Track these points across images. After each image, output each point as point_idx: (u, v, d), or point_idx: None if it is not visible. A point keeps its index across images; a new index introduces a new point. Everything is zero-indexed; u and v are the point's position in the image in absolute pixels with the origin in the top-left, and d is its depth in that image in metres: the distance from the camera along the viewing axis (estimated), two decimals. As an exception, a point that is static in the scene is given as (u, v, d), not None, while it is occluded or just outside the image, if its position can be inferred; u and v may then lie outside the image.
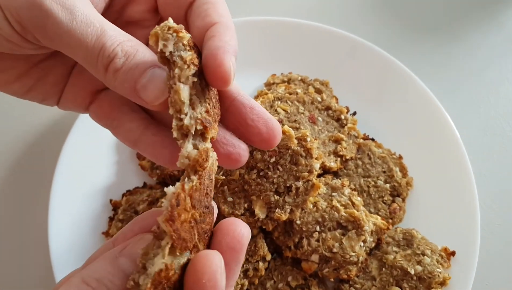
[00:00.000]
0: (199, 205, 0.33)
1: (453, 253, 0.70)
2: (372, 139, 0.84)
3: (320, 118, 0.82)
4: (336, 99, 0.88)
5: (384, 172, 0.78)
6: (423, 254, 0.68)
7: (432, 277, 0.66)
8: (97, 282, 0.30)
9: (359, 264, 0.68)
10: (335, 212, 0.69)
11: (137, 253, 0.31)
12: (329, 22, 0.93)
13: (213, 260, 0.30)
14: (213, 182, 0.37)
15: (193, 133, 0.35)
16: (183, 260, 0.31)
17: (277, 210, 0.64)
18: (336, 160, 0.78)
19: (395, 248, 0.71)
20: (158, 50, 0.34)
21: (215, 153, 0.37)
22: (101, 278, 0.30)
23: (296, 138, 0.65)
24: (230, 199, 0.66)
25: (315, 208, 0.69)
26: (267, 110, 0.61)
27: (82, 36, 0.34)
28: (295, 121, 0.79)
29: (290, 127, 0.70)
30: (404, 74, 0.86)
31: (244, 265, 0.67)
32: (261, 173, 0.65)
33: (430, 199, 0.77)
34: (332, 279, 0.68)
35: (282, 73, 0.91)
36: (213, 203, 0.37)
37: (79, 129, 0.82)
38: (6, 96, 0.46)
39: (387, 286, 0.67)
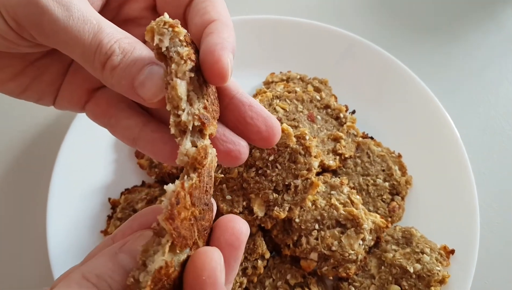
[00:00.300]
0: (198, 202, 0.33)
1: (452, 252, 0.70)
2: (371, 138, 0.84)
3: (319, 117, 0.82)
4: (335, 97, 0.88)
5: (383, 170, 0.78)
6: (422, 253, 0.68)
7: (431, 275, 0.66)
8: (97, 278, 0.30)
9: (358, 263, 0.67)
10: (334, 211, 0.68)
11: (136, 250, 0.31)
12: (328, 21, 0.93)
13: (213, 257, 0.31)
14: (213, 179, 0.37)
15: (191, 130, 0.35)
16: (183, 257, 0.31)
17: (275, 208, 0.64)
18: (335, 159, 0.78)
19: (394, 247, 0.70)
20: (154, 45, 0.33)
21: (214, 149, 0.37)
22: (101, 274, 0.30)
23: (295, 136, 0.65)
24: (228, 197, 0.66)
25: (314, 206, 0.69)
26: (265, 108, 0.60)
27: (79, 33, 0.34)
28: (294, 119, 0.79)
29: (289, 125, 0.70)
30: (403, 73, 0.86)
31: (243, 263, 0.67)
32: (260, 171, 0.65)
33: (429, 197, 0.77)
34: (331, 277, 0.68)
35: (281, 72, 0.91)
36: (212, 200, 0.37)
37: (77, 128, 0.81)
38: (4, 96, 0.45)
39: (386, 284, 0.67)
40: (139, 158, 0.82)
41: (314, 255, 0.67)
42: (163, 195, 0.30)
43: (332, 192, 0.72)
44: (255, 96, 0.84)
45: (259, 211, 0.65)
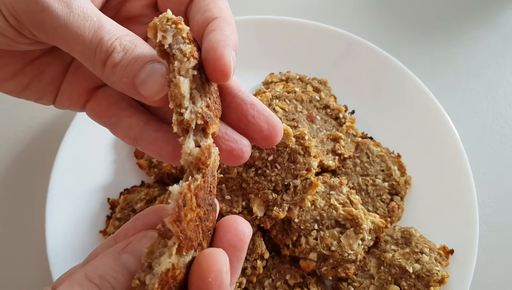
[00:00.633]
0: (203, 203, 0.33)
1: (451, 252, 0.70)
2: (371, 138, 0.84)
3: (318, 117, 0.82)
4: (335, 97, 0.88)
5: (383, 170, 0.78)
6: (422, 253, 0.68)
7: (431, 275, 0.66)
8: (100, 279, 0.29)
9: (358, 263, 0.67)
10: (333, 211, 0.68)
11: (140, 250, 0.31)
12: (327, 22, 0.93)
13: (219, 258, 0.30)
14: (216, 178, 0.37)
15: (194, 128, 0.34)
16: (188, 258, 0.31)
17: (275, 208, 0.64)
18: (334, 159, 0.78)
19: (393, 247, 0.70)
20: (157, 41, 0.33)
21: (216, 148, 0.36)
22: (104, 274, 0.30)
23: (294, 136, 0.65)
24: (228, 197, 0.66)
25: (313, 206, 0.69)
26: (265, 108, 0.60)
27: (79, 30, 0.34)
28: (293, 119, 0.79)
29: (288, 125, 0.70)
30: (403, 73, 0.86)
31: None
32: (259, 171, 0.65)
33: (428, 197, 0.77)
34: (330, 278, 0.68)
35: (280, 72, 0.91)
36: (216, 200, 0.37)
37: (77, 128, 0.81)
38: (4, 96, 0.45)
39: (386, 284, 0.67)
40: (138, 158, 0.82)
41: (313, 255, 0.67)
42: (169, 197, 0.30)
43: (332, 192, 0.71)
44: (254, 96, 0.84)
45: (258, 211, 0.65)
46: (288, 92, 0.82)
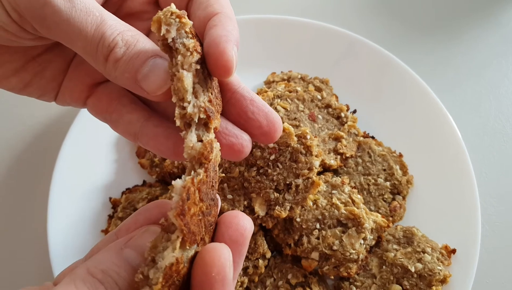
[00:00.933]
0: (206, 197, 0.33)
1: (453, 251, 0.69)
2: (372, 137, 0.84)
3: (320, 116, 0.82)
4: (336, 97, 0.88)
5: (384, 170, 0.78)
6: (424, 252, 0.68)
7: (433, 274, 0.66)
8: (102, 274, 0.29)
9: (359, 262, 0.67)
10: (335, 210, 0.68)
11: (143, 245, 0.31)
12: (328, 21, 0.93)
13: (222, 253, 0.30)
14: (217, 173, 0.37)
15: (196, 123, 0.34)
16: (191, 253, 0.31)
17: (277, 207, 0.64)
18: (336, 158, 0.77)
19: (395, 246, 0.70)
20: (161, 35, 0.33)
21: (218, 143, 0.36)
22: (107, 269, 0.30)
23: (296, 136, 0.65)
24: (229, 196, 0.65)
25: (315, 205, 0.69)
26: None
27: (81, 25, 0.34)
28: (295, 119, 0.79)
29: (290, 125, 0.70)
30: (404, 72, 0.86)
31: (244, 263, 0.67)
32: (261, 171, 0.65)
33: (430, 197, 0.77)
34: (332, 277, 0.68)
35: (282, 71, 0.91)
36: (217, 195, 0.37)
37: (79, 127, 0.81)
38: (6, 94, 0.45)
39: (388, 283, 0.67)
40: (140, 158, 0.82)
41: (315, 255, 0.67)
42: (172, 191, 0.30)
43: (333, 191, 0.71)
44: (255, 94, 0.84)
45: (260, 210, 0.64)
46: (290, 92, 0.82)
